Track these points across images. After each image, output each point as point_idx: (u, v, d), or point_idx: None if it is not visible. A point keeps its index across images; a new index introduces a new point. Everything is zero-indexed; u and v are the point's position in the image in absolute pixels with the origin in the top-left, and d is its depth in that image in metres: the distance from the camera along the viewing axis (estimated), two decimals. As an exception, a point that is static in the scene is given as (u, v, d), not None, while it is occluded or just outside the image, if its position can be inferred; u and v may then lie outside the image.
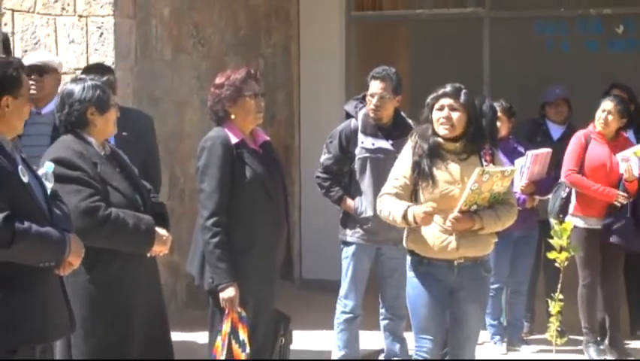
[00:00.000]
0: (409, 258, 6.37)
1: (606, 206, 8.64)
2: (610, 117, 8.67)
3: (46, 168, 5.04)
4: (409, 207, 6.11)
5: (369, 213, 7.57)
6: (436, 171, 6.20)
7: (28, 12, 9.77)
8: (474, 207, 6.14)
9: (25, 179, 4.76)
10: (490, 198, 6.16)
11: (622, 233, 8.61)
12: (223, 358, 6.13)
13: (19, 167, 4.76)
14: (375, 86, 7.72)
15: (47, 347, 4.94)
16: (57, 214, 4.91)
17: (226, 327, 6.17)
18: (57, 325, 4.83)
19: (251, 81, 6.41)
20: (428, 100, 6.34)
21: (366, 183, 7.70)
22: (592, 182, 8.62)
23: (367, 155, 7.71)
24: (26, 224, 4.65)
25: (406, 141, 6.47)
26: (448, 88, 6.31)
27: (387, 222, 6.35)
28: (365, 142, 7.74)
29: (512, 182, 8.60)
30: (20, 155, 4.89)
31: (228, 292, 6.18)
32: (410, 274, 6.35)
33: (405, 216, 6.09)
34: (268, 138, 6.55)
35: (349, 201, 7.79)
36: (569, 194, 8.74)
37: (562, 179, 8.73)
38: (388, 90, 7.70)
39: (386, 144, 7.65)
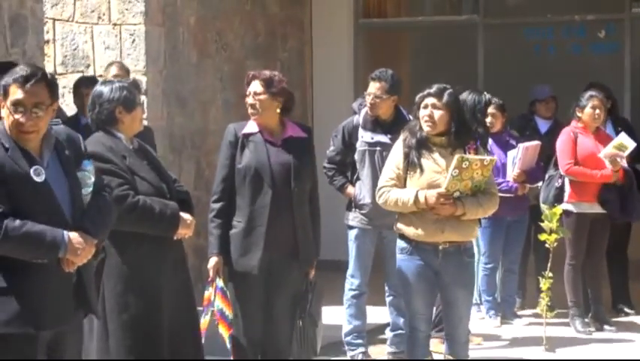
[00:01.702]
0: (398, 241, 6.34)
1: (596, 192, 8.66)
2: (593, 112, 8.71)
3: (83, 166, 4.90)
4: (418, 191, 6.09)
5: (368, 200, 7.54)
6: (423, 161, 6.18)
7: (67, 21, 9.74)
8: (457, 194, 6.09)
9: (38, 179, 4.62)
10: (472, 187, 6.11)
11: (610, 206, 8.69)
12: (208, 316, 6.14)
13: (34, 167, 4.63)
14: (371, 87, 7.67)
15: (59, 338, 4.75)
16: (87, 212, 4.78)
17: (208, 293, 6.21)
18: (52, 314, 4.64)
19: (247, 85, 6.40)
20: (416, 99, 6.33)
21: (365, 172, 7.66)
22: (590, 170, 8.63)
23: (366, 148, 7.67)
24: (18, 222, 4.52)
25: None
26: (433, 89, 6.28)
27: (390, 209, 6.30)
28: (365, 136, 7.69)
29: (501, 171, 8.72)
30: (62, 154, 4.78)
31: (211, 262, 6.27)
32: (400, 256, 6.32)
33: (416, 200, 6.06)
34: (299, 135, 6.42)
35: (350, 189, 7.76)
36: (563, 184, 8.73)
37: (561, 172, 8.74)
38: (383, 90, 7.63)
39: (384, 138, 7.60)
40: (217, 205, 6.31)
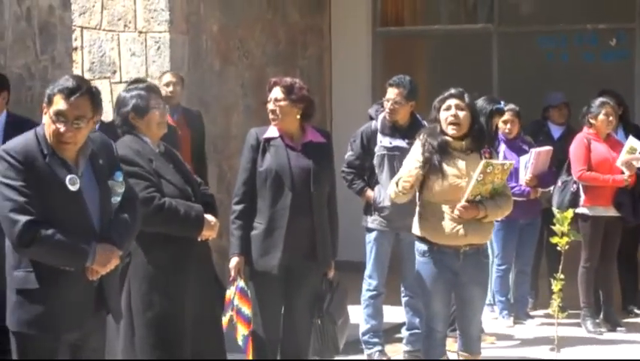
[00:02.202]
0: (418, 244, 6.31)
1: (611, 196, 8.68)
2: (606, 119, 8.70)
3: (115, 176, 4.90)
4: (400, 178, 6.13)
5: (387, 203, 7.53)
6: (445, 166, 6.14)
7: (95, 29, 9.77)
8: (478, 197, 6.09)
9: (73, 188, 4.62)
10: (491, 190, 6.11)
11: (624, 209, 8.72)
12: (228, 314, 6.15)
13: (69, 177, 4.63)
14: (390, 93, 7.68)
15: (83, 337, 4.77)
16: (114, 222, 4.79)
17: (230, 292, 6.19)
18: (73, 319, 4.66)
19: (268, 91, 6.36)
20: (435, 102, 6.28)
21: (384, 176, 7.65)
22: (602, 175, 8.64)
23: (385, 152, 7.67)
24: (50, 231, 4.53)
25: None
26: (453, 90, 6.24)
27: (399, 198, 6.26)
28: (383, 141, 7.70)
29: (514, 176, 8.70)
30: (96, 163, 4.78)
31: (232, 262, 6.26)
32: (421, 259, 6.29)
33: (397, 184, 6.12)
34: (318, 140, 6.40)
35: (369, 192, 7.76)
36: (578, 189, 8.74)
37: (574, 177, 8.74)
38: (402, 96, 7.64)
39: (402, 143, 7.59)
40: (238, 207, 6.31)
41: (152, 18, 9.58)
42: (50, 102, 4.65)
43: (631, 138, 8.76)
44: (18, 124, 7.00)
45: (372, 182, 7.78)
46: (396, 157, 7.57)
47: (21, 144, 4.63)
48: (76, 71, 9.36)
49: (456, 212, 6.05)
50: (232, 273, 6.25)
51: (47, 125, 4.66)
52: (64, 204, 4.62)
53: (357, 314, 7.85)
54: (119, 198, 4.84)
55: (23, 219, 4.49)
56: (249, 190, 6.29)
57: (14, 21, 8.05)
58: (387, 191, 6.34)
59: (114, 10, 9.70)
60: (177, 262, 5.63)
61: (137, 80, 7.46)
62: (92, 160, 4.76)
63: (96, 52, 9.72)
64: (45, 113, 4.67)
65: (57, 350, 4.66)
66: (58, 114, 4.60)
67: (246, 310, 6.20)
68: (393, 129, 7.70)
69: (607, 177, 8.64)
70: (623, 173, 8.61)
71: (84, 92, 4.64)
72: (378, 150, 7.71)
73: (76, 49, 9.54)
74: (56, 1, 8.45)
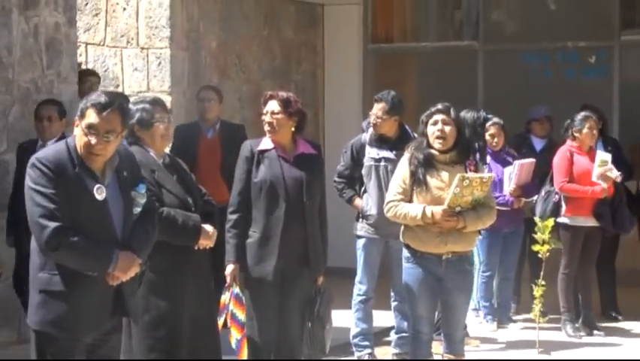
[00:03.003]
0: (405, 251, 6.35)
1: (591, 207, 8.70)
2: (595, 131, 8.78)
3: (138, 188, 4.94)
4: (425, 207, 6.10)
5: (374, 211, 7.58)
6: (429, 179, 6.18)
7: (99, 45, 9.80)
8: (458, 208, 6.10)
9: (99, 197, 4.68)
10: (472, 202, 6.12)
11: (604, 219, 8.75)
12: (222, 318, 6.13)
13: (96, 186, 4.68)
14: (374, 108, 7.75)
15: (103, 339, 4.82)
16: (135, 232, 4.84)
17: (224, 298, 6.17)
18: (91, 322, 4.70)
19: (264, 104, 6.34)
20: (423, 117, 6.31)
21: (371, 185, 7.69)
22: (582, 186, 8.66)
23: (372, 163, 7.72)
24: (76, 238, 4.59)
25: None
26: (440, 106, 6.28)
27: (398, 222, 6.31)
28: (371, 152, 7.74)
29: (498, 186, 8.73)
30: (121, 175, 4.83)
31: (228, 269, 6.22)
32: (406, 265, 6.33)
33: (424, 215, 6.08)
34: (310, 152, 6.37)
35: (357, 201, 7.80)
36: (560, 200, 8.75)
37: (555, 189, 8.76)
38: (384, 111, 7.68)
39: (389, 154, 7.63)
40: (234, 216, 6.29)
41: (154, 35, 9.60)
42: (83, 116, 4.71)
43: (599, 152, 8.80)
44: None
45: (362, 191, 7.82)
46: (382, 167, 7.64)
47: (53, 154, 4.70)
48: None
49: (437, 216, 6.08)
50: (228, 279, 6.24)
51: (79, 137, 4.71)
52: (90, 212, 4.68)
53: (348, 318, 7.87)
54: (139, 209, 4.90)
55: (52, 225, 4.55)
56: (244, 200, 6.27)
57: (22, 37, 8.06)
58: (394, 215, 6.31)
59: (117, 27, 9.73)
60: (176, 268, 5.64)
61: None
62: (117, 172, 4.83)
63: (100, 67, 9.75)
64: (77, 126, 4.73)
65: (74, 350, 4.70)
66: (90, 127, 4.67)
67: (240, 315, 6.20)
68: (381, 141, 7.74)
69: (586, 188, 8.66)
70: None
71: (115, 108, 4.71)
72: (366, 161, 7.76)
73: (80, 64, 9.55)
74: (62, 18, 8.46)
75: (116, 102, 4.73)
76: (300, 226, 6.23)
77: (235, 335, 6.21)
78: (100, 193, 4.68)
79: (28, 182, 4.64)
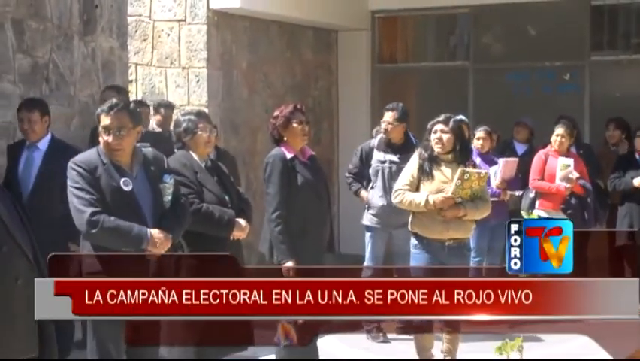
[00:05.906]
0: (412, 239, 6.40)
1: (559, 202, 8.65)
2: (563, 139, 8.69)
3: (164, 179, 4.96)
4: (428, 195, 6.20)
5: (378, 203, 7.66)
6: (435, 172, 6.30)
7: (147, 65, 9.84)
8: (459, 199, 6.20)
9: (126, 188, 4.74)
10: (470, 194, 6.22)
11: (572, 213, 8.62)
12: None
13: (123, 179, 4.74)
14: (386, 116, 7.79)
15: None
16: (167, 214, 4.86)
17: None
18: None
19: (298, 113, 6.11)
20: (428, 125, 6.47)
21: (377, 183, 7.76)
22: (549, 183, 8.64)
23: (379, 165, 7.77)
24: (112, 218, 4.65)
25: (410, 156, 6.60)
26: (442, 117, 6.42)
27: (403, 207, 6.35)
28: (378, 155, 7.81)
29: (488, 182, 8.72)
30: (149, 169, 4.85)
31: (288, 264, 5.96)
32: (414, 251, 6.38)
33: (427, 202, 6.17)
34: (314, 153, 6.35)
35: (363, 193, 7.90)
36: (536, 194, 8.75)
37: (529, 185, 8.74)
38: (394, 118, 7.73)
39: (394, 158, 7.71)
40: (281, 220, 5.96)
41: (193, 56, 9.64)
42: (98, 122, 4.85)
43: (560, 158, 8.78)
44: (62, 149, 6.43)
45: (369, 187, 7.87)
46: (387, 168, 7.71)
47: (85, 157, 4.83)
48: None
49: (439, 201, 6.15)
50: (288, 275, 5.98)
51: (101, 140, 4.84)
52: (120, 201, 4.74)
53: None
54: (169, 197, 4.94)
55: (90, 210, 4.64)
56: (284, 204, 5.98)
57: (82, 59, 8.11)
58: (400, 202, 6.31)
59: (162, 50, 9.77)
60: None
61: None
62: (145, 167, 4.89)
63: (147, 84, 9.79)
64: (99, 135, 4.87)
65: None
66: (105, 128, 4.79)
67: None
68: (387, 146, 7.79)
69: (552, 185, 8.67)
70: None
71: (121, 107, 4.82)
72: (374, 163, 7.82)
73: (131, 81, 9.61)
74: (116, 43, 8.50)
75: (122, 103, 4.88)
76: (327, 217, 6.30)
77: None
78: (127, 185, 4.75)
79: (68, 182, 4.74)
